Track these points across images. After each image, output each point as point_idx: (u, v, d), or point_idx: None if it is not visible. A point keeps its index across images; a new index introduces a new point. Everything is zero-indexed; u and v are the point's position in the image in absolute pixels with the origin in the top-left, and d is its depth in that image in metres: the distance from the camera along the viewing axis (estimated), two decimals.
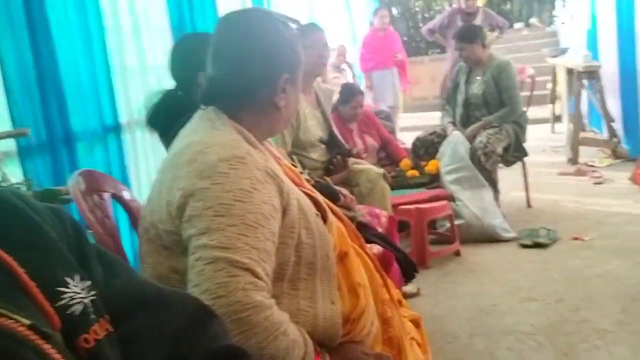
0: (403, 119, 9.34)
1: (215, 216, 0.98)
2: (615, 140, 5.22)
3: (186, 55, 1.62)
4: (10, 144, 2.24)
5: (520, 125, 3.79)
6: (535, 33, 11.56)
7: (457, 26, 4.76)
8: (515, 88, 3.80)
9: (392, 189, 3.44)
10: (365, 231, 2.05)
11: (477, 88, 3.87)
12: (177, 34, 3.13)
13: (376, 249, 1.90)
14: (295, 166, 2.12)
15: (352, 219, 2.03)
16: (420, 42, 15.07)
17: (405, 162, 3.81)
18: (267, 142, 1.25)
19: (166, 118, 1.48)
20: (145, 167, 2.88)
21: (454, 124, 3.97)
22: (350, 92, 3.69)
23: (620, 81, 5.10)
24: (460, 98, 3.95)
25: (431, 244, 3.38)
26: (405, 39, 14.55)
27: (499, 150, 3.62)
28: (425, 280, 2.99)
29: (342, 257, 1.16)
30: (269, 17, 1.17)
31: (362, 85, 6.73)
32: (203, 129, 1.10)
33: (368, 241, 1.96)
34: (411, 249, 3.21)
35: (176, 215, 1.02)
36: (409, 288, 2.80)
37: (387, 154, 4.08)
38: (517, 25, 12.64)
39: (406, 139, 4.78)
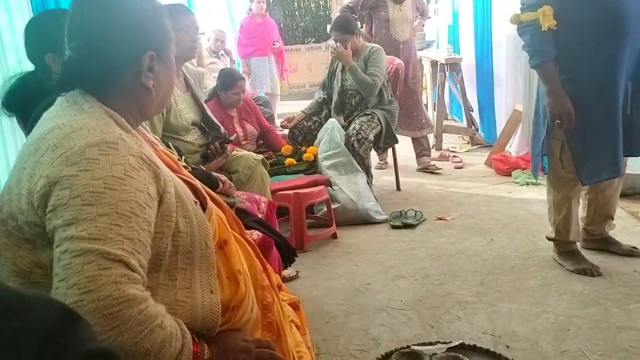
0: (281, 106, 9.38)
1: (83, 205, 0.90)
2: (473, 128, 5.63)
3: (39, 35, 1.48)
4: None
5: (391, 112, 3.94)
6: None
7: (384, 8, 4.62)
8: (379, 68, 3.86)
9: (271, 175, 3.48)
10: (245, 217, 2.03)
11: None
12: (37, 9, 2.87)
13: (256, 234, 1.89)
14: (172, 152, 2.05)
15: (231, 205, 2.00)
16: (297, 30, 15.26)
17: (287, 148, 3.82)
18: (140, 127, 1.18)
19: (25, 101, 1.35)
20: (3, 153, 2.62)
21: (305, 113, 4.12)
22: (231, 78, 3.63)
23: (477, 74, 5.49)
24: (337, 86, 4.02)
25: (309, 228, 3.43)
26: (282, 26, 14.68)
27: (371, 137, 3.75)
28: (304, 264, 3.03)
29: (222, 245, 1.13)
30: None
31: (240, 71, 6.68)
32: (69, 112, 1.01)
33: (248, 227, 1.95)
34: (290, 233, 3.24)
35: (39, 205, 0.93)
36: (288, 272, 2.82)
37: (266, 142, 4.07)
38: None
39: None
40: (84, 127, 0.96)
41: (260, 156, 2.74)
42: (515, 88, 4.71)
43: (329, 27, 5.38)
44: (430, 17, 5.33)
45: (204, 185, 1.24)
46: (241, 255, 1.18)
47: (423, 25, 5.20)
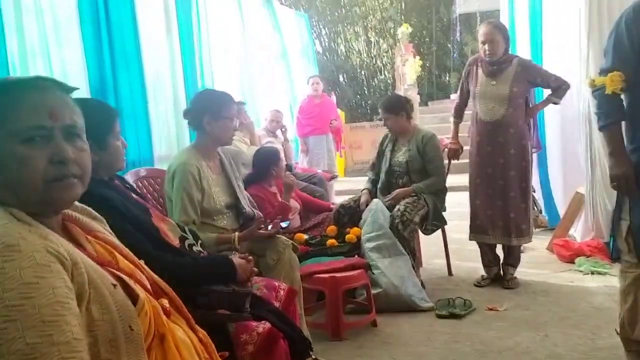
0: (343, 183, 9.44)
1: (5, 322, 0.84)
2: (536, 209, 5.34)
3: None
4: None
5: (438, 194, 3.81)
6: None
7: (474, 80, 3.88)
8: (441, 159, 3.87)
9: (312, 256, 3.41)
10: (258, 306, 1.94)
11: (401, 156, 3.90)
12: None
13: (262, 327, 1.78)
14: (185, 237, 2.02)
15: (247, 293, 1.92)
16: (366, 107, 15.55)
17: (331, 228, 3.76)
18: (76, 213, 1.14)
19: None
20: None
21: (369, 191, 3.99)
22: (271, 152, 3.81)
23: (539, 153, 5.26)
24: (385, 166, 3.96)
25: (349, 314, 3.28)
26: (352, 104, 15.01)
27: (416, 219, 3.61)
28: (338, 353, 2.86)
29: (161, 339, 1.04)
30: None
31: (299, 150, 6.79)
32: None
33: (259, 318, 1.86)
34: (326, 319, 3.10)
35: None
36: None
37: (311, 209, 4.12)
38: (454, 96, 13.13)
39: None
40: None
41: (289, 241, 2.66)
42: (577, 169, 4.45)
43: None
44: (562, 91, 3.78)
45: (150, 274, 1.17)
46: (184, 350, 1.08)
47: (555, 104, 3.90)
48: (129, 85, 3.55)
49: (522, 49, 5.15)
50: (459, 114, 4.10)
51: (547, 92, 3.96)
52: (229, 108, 2.64)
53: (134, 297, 1.03)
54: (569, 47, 4.31)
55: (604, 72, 2.39)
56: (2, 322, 0.84)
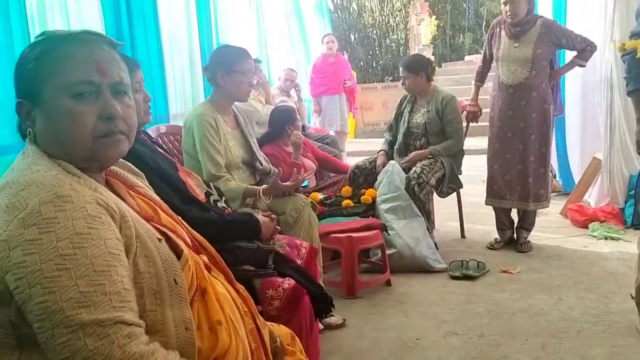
0: (353, 144, 9.44)
1: (59, 270, 0.86)
2: (551, 174, 5.32)
3: None
4: None
5: (455, 157, 3.80)
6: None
7: (497, 42, 3.83)
8: (459, 122, 3.85)
9: (327, 216, 3.44)
10: (282, 264, 1.98)
11: (420, 118, 3.88)
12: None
13: (287, 283, 1.82)
14: (210, 193, 2.04)
15: (270, 250, 1.95)
16: (377, 68, 15.36)
17: (346, 189, 3.78)
18: (117, 168, 1.16)
19: None
20: None
21: (386, 153, 4.00)
22: (287, 112, 3.77)
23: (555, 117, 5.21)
24: (403, 127, 3.95)
25: (363, 273, 3.33)
26: (362, 64, 14.83)
27: (433, 181, 3.62)
28: (353, 311, 2.92)
29: (202, 293, 1.07)
30: None
31: (312, 110, 6.75)
32: (20, 167, 0.98)
33: (283, 275, 1.90)
34: (341, 278, 3.15)
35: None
36: (335, 319, 2.73)
37: (330, 169, 4.17)
38: (468, 57, 12.96)
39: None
40: (32, 183, 0.93)
41: (309, 199, 2.68)
42: (595, 134, 4.41)
43: None
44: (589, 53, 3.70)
45: (190, 231, 1.19)
46: (225, 304, 1.11)
47: (581, 66, 3.80)
48: (146, 41, 3.52)
49: (544, 10, 5.04)
50: (480, 77, 4.05)
51: (571, 54, 3.88)
52: (243, 62, 2.62)
53: (177, 252, 1.05)
54: (594, 9, 4.21)
55: (635, 35, 2.35)
56: (56, 270, 0.86)
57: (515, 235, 3.93)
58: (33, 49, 1.02)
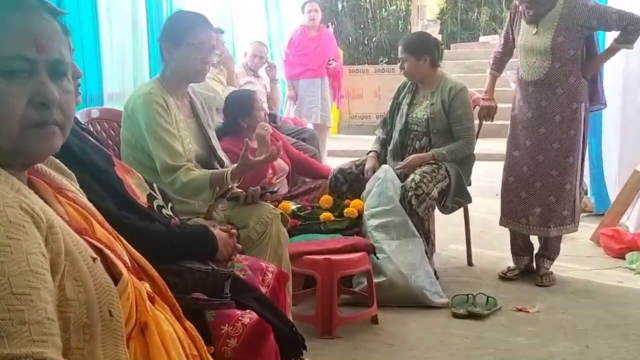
0: (336, 141, 9.47)
1: None
2: (581, 189, 5.41)
3: None
4: None
5: (463, 163, 3.85)
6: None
7: (518, 28, 3.89)
8: (470, 120, 3.90)
9: (301, 233, 3.45)
10: (241, 292, 1.97)
11: (422, 112, 3.92)
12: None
13: (248, 317, 1.81)
14: (154, 197, 2.03)
15: (227, 275, 1.95)
16: (369, 46, 15.45)
17: (326, 199, 3.79)
18: (45, 168, 1.15)
19: None
20: None
21: (377, 154, 4.03)
22: (246, 97, 3.82)
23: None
24: (400, 123, 3.98)
25: (344, 306, 3.34)
26: (350, 41, 14.90)
27: (435, 192, 3.65)
28: (329, 354, 2.93)
29: (143, 328, 1.07)
30: None
31: (285, 95, 6.77)
32: None
33: (243, 306, 1.90)
34: (316, 312, 3.15)
35: None
36: None
37: (305, 173, 4.21)
38: (484, 38, 13.12)
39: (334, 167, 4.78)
40: None
41: (278, 210, 2.69)
42: (637, 142, 4.50)
43: None
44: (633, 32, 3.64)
45: (130, 250, 1.19)
46: (169, 344, 1.10)
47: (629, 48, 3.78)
48: (77, 2, 3.51)
49: None
50: (498, 65, 4.11)
51: (613, 35, 3.83)
52: (197, 33, 2.62)
53: (114, 275, 1.04)
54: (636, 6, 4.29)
55: None
56: None
57: (534, 264, 3.99)
58: None
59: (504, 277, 3.94)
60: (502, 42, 4.08)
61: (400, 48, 3.99)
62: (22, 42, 0.99)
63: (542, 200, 3.81)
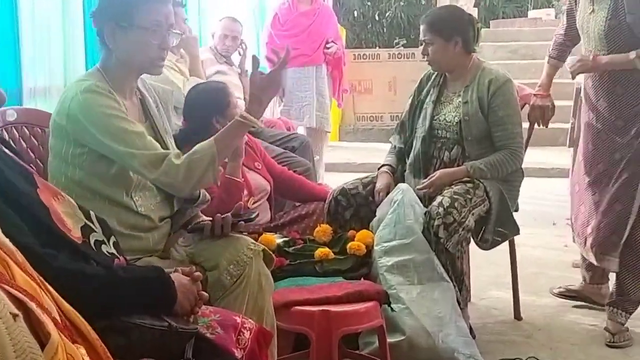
0: (337, 150, 9.50)
1: None
2: None
3: None
4: None
5: (509, 182, 3.87)
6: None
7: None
8: (517, 123, 3.92)
9: (289, 275, 3.45)
10: (211, 356, 1.99)
11: (451, 113, 3.94)
12: None
13: None
14: (92, 230, 2.04)
15: (191, 334, 1.95)
16: (381, 23, 15.52)
17: (323, 229, 3.79)
18: None
19: None
20: None
21: (392, 169, 4.05)
22: (220, 92, 3.91)
23: None
24: (423, 127, 4.00)
25: None
26: (356, 16, 15.02)
27: (470, 221, 3.66)
28: None
29: None
30: None
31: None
32: None
33: None
34: None
35: None
36: None
37: (288, 194, 4.25)
38: (533, 13, 13.21)
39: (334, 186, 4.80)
40: None
41: (259, 245, 2.70)
42: None
43: None
44: None
45: (60, 300, 1.20)
46: None
47: None
48: None
49: None
50: (559, 52, 4.14)
51: None
52: (151, 10, 2.65)
53: (40, 338, 1.06)
54: None
55: None
56: None
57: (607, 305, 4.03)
58: None
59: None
60: (565, 21, 4.11)
61: (422, 27, 4.01)
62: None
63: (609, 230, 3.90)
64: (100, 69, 2.74)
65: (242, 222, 2.83)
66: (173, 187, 2.63)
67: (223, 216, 2.74)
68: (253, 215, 3.00)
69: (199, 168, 2.57)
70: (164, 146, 2.78)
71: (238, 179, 3.49)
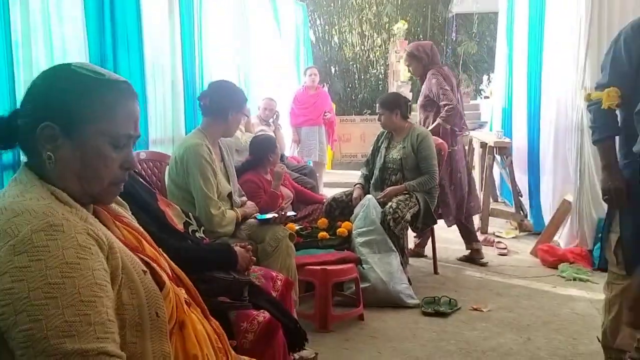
0: (330, 174, 9.46)
1: (46, 298, 0.86)
2: (522, 213, 5.42)
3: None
4: None
5: (430, 194, 3.86)
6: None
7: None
8: (433, 158, 3.89)
9: (303, 248, 3.44)
10: (257, 295, 1.98)
11: (396, 153, 3.93)
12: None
13: (262, 316, 1.81)
14: (190, 223, 2.04)
15: (245, 282, 1.95)
16: (355, 101, 15.53)
17: (322, 221, 3.79)
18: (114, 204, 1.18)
19: None
20: None
21: (362, 186, 4.04)
22: (268, 141, 3.85)
23: (528, 159, 5.34)
24: (379, 162, 4.00)
25: (337, 306, 3.32)
26: (341, 96, 14.98)
27: (408, 216, 3.66)
28: (325, 344, 2.90)
29: (181, 326, 1.07)
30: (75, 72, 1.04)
31: (290, 139, 6.80)
32: (13, 194, 0.99)
33: (258, 307, 1.89)
34: (314, 310, 3.14)
35: None
36: (307, 353, 2.69)
37: (304, 201, 4.18)
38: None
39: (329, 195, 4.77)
40: (25, 210, 0.93)
41: (288, 230, 2.70)
42: (566, 177, 4.52)
43: None
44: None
45: (170, 263, 1.20)
46: (200, 337, 1.11)
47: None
48: (129, 66, 3.50)
49: (519, 53, 5.20)
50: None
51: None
52: (246, 106, 2.80)
53: (159, 283, 1.06)
54: (567, 56, 4.36)
55: (600, 87, 2.38)
56: (43, 298, 0.86)
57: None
58: (72, 80, 1.02)
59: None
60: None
61: (377, 104, 4.03)
62: (130, 123, 1.07)
63: None
64: (201, 130, 2.75)
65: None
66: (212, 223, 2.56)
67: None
68: (293, 216, 3.08)
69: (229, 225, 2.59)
70: (230, 176, 2.79)
71: (277, 192, 3.47)
